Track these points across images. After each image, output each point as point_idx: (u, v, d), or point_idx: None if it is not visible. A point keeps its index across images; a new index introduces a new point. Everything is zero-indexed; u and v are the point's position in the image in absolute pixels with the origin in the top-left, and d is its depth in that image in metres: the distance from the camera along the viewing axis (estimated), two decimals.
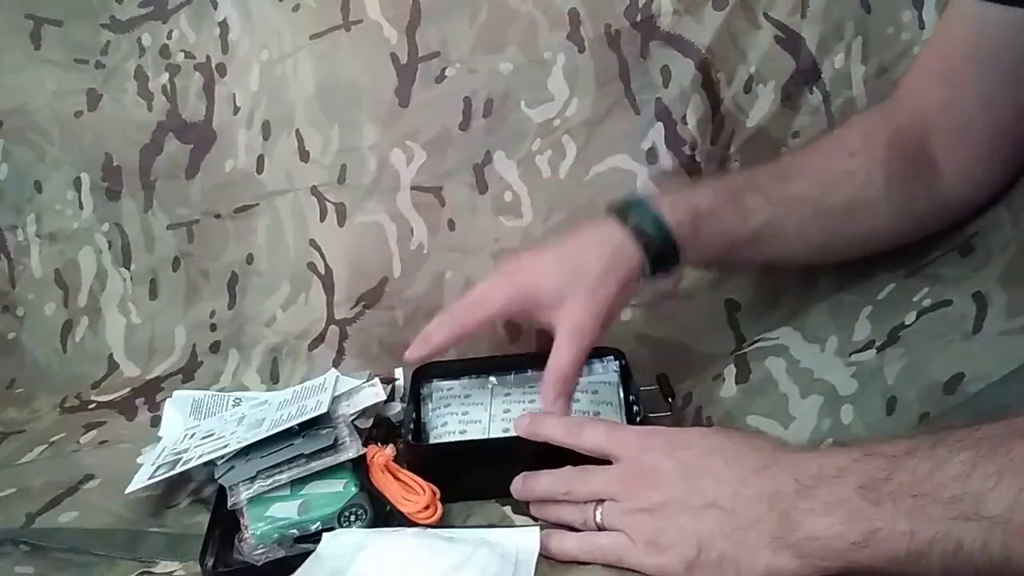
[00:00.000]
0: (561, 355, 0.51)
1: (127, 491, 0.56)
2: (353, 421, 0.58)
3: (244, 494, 0.51)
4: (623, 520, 0.44)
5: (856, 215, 0.55)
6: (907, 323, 0.51)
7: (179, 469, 0.56)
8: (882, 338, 0.52)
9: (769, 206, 0.55)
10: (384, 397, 0.61)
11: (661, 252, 0.53)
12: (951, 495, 0.34)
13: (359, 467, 0.53)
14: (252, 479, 0.51)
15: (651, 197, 0.55)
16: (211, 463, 0.55)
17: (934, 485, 0.35)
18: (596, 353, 0.61)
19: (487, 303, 0.55)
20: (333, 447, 0.53)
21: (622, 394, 0.58)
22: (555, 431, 0.49)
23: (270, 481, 0.51)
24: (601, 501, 0.46)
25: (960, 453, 0.35)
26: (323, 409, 0.56)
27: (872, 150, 0.55)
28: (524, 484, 0.50)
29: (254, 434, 0.55)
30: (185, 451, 0.58)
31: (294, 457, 0.52)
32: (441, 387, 0.62)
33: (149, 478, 0.56)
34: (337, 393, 0.60)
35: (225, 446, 0.55)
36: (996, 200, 0.54)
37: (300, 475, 0.51)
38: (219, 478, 0.53)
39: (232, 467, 0.53)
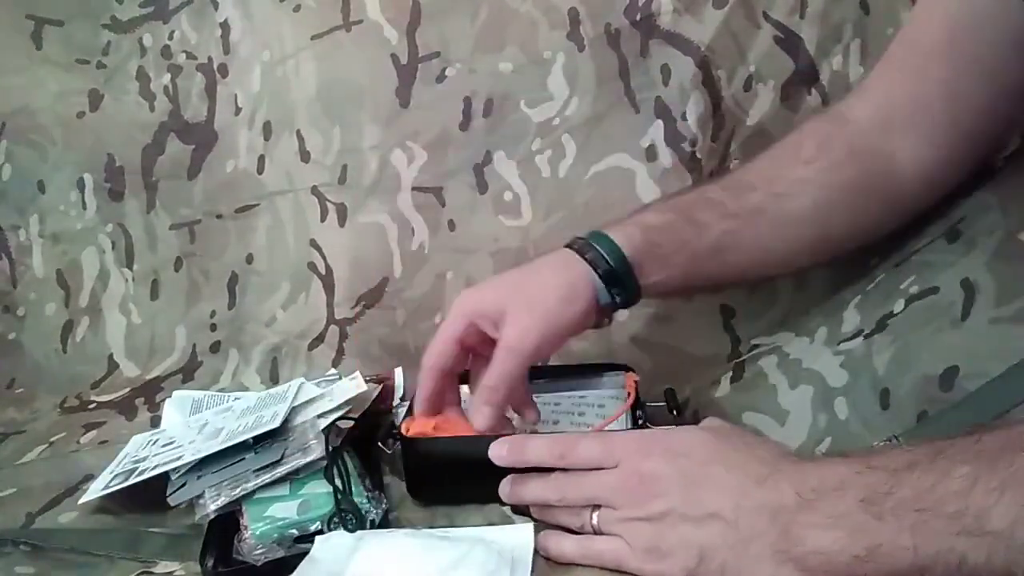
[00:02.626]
0: (491, 367, 0.50)
1: (80, 502, 0.56)
2: (335, 422, 0.56)
3: (212, 506, 0.50)
4: (621, 527, 0.44)
5: (813, 222, 0.54)
6: (895, 311, 0.51)
7: (132, 480, 0.55)
8: (870, 326, 0.52)
9: (724, 219, 0.54)
10: (364, 389, 0.60)
11: (613, 271, 0.51)
12: (954, 510, 0.34)
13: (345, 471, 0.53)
14: (213, 497, 0.51)
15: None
16: (165, 474, 0.54)
17: (936, 500, 0.35)
18: (605, 368, 0.61)
19: (442, 334, 0.53)
20: (279, 462, 0.52)
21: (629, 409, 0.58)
22: (542, 454, 0.48)
23: (223, 498, 0.51)
24: (597, 505, 0.45)
25: (961, 467, 0.35)
26: (276, 423, 0.55)
27: (828, 157, 0.54)
28: (512, 489, 0.49)
29: (208, 447, 0.55)
30: (144, 459, 0.58)
31: (242, 473, 0.52)
32: None
33: (104, 488, 0.56)
34: (299, 401, 0.59)
35: (179, 457, 0.55)
36: (953, 195, 0.54)
37: (250, 490, 0.51)
38: (170, 496, 0.53)
39: (184, 483, 0.53)
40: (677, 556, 0.41)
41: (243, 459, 0.53)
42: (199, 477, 0.53)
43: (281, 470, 0.52)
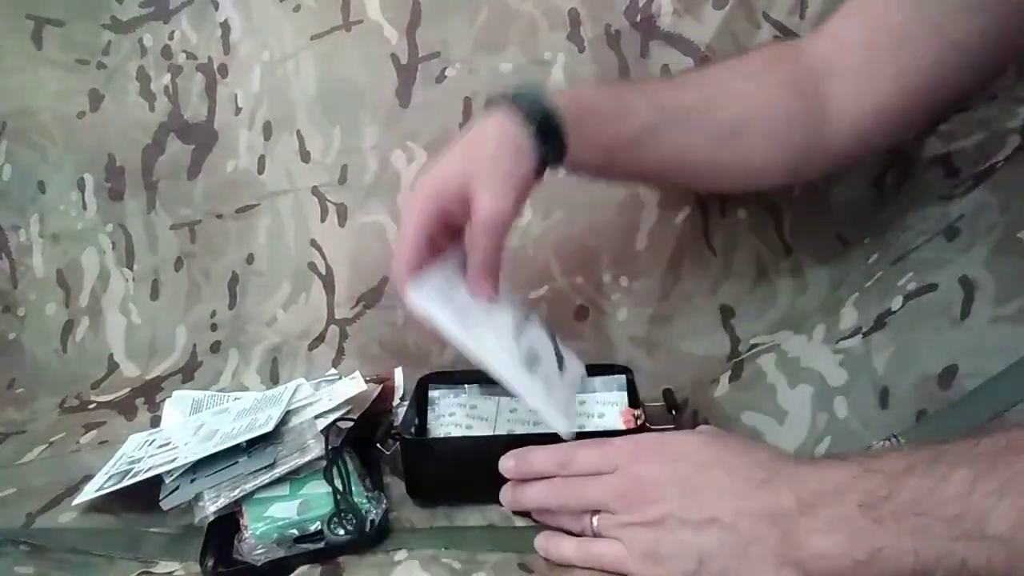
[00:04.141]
0: (478, 242, 0.48)
1: (75, 502, 0.56)
2: (335, 422, 0.57)
3: (211, 508, 0.50)
4: (620, 531, 0.44)
5: (738, 136, 0.54)
6: (893, 309, 0.51)
7: (127, 482, 0.55)
8: (868, 324, 0.52)
9: (653, 111, 0.53)
10: (364, 389, 0.60)
11: (544, 126, 0.49)
12: (953, 514, 0.34)
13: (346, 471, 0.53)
14: (212, 499, 0.51)
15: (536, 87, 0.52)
16: (159, 476, 0.55)
17: (935, 503, 0.35)
18: (603, 370, 0.61)
19: (411, 228, 0.49)
20: (271, 466, 0.52)
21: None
22: (545, 464, 0.48)
23: (222, 499, 0.51)
24: (597, 510, 0.46)
25: (960, 469, 0.35)
26: (269, 427, 0.55)
27: (770, 76, 0.54)
28: (512, 496, 0.50)
29: (202, 449, 0.55)
30: (139, 460, 0.58)
31: (236, 476, 0.52)
32: (448, 395, 0.62)
33: (98, 489, 0.56)
34: (295, 405, 0.59)
35: (174, 460, 0.55)
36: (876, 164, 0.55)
37: (244, 494, 0.51)
38: (162, 500, 0.53)
39: (177, 487, 0.53)
40: (676, 561, 0.41)
41: (236, 463, 0.53)
42: (192, 480, 0.53)
43: (273, 474, 0.52)
